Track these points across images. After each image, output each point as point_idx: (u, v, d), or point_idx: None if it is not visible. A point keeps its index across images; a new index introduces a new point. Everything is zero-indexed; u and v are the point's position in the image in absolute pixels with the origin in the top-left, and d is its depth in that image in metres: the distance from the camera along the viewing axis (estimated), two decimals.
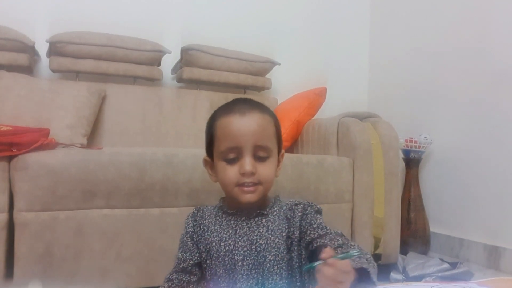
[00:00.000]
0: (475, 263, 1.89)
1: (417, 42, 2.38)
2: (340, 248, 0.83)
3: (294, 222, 0.90)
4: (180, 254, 0.93)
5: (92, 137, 1.88)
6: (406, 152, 2.12)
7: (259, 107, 0.90)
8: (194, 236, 0.93)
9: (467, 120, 2.03)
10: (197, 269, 0.92)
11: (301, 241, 0.90)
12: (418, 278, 1.62)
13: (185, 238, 0.94)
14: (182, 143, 2.02)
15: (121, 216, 1.30)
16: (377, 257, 1.69)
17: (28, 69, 1.93)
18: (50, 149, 1.31)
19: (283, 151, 0.96)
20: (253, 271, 0.87)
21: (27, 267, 1.20)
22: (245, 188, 0.86)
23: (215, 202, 1.37)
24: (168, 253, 1.34)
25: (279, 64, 2.33)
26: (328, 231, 0.87)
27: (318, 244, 0.87)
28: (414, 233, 2.04)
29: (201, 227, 0.93)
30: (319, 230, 0.88)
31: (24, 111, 1.69)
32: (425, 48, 2.32)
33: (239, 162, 0.86)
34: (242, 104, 0.89)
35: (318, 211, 0.93)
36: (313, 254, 0.89)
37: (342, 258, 0.70)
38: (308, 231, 0.88)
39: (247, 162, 0.84)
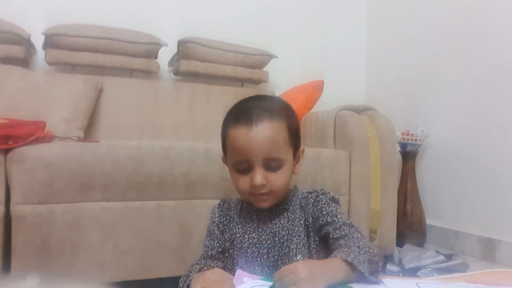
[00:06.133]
0: (470, 255, 1.90)
1: (414, 35, 2.38)
2: (343, 239, 0.85)
3: (307, 210, 0.93)
4: (207, 242, 0.96)
5: (89, 130, 1.87)
6: (403, 145, 2.13)
7: (270, 112, 0.87)
8: (220, 226, 0.96)
9: (464, 113, 2.03)
10: (222, 257, 0.95)
11: (313, 227, 0.92)
12: (414, 270, 1.63)
13: (211, 227, 0.97)
14: (179, 136, 2.02)
15: (118, 209, 1.30)
16: None
17: (24, 62, 1.92)
18: (46, 142, 1.31)
19: (302, 147, 0.96)
20: (279, 262, 0.89)
21: (24, 260, 1.20)
22: (259, 197, 0.88)
23: (212, 195, 1.39)
24: (165, 246, 1.35)
25: (276, 57, 2.32)
26: (336, 219, 0.88)
27: (324, 231, 0.89)
28: (410, 226, 2.05)
29: (227, 217, 0.97)
30: (328, 217, 0.89)
31: (20, 104, 1.68)
32: (422, 41, 2.31)
33: (250, 173, 0.86)
34: (251, 110, 0.86)
35: (333, 199, 0.94)
36: (323, 240, 0.92)
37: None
38: (319, 218, 0.90)
39: (257, 175, 0.84)
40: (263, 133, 0.84)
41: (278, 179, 0.87)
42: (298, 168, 0.95)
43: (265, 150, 0.84)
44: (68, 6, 2.06)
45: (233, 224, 0.95)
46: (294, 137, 0.91)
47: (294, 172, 0.94)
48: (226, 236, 0.95)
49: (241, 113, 0.87)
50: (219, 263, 0.94)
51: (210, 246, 0.95)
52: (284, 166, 0.87)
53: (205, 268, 0.90)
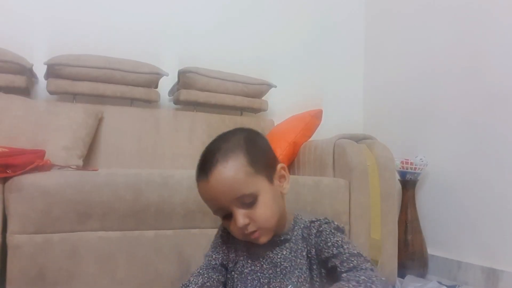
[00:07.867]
0: (473, 286, 1.87)
1: (412, 64, 2.41)
2: (351, 272, 0.80)
3: (310, 240, 0.89)
4: (211, 253, 0.95)
5: (88, 158, 1.87)
6: (402, 174, 2.12)
7: (222, 154, 0.83)
8: (227, 243, 0.95)
9: (462, 141, 2.04)
10: (224, 271, 0.93)
11: (318, 259, 0.88)
12: None
13: (219, 241, 0.96)
14: (178, 164, 2.02)
15: (116, 238, 1.28)
16: None
17: (26, 91, 1.94)
18: (45, 170, 1.31)
19: (280, 164, 0.92)
20: None
21: None
22: (252, 237, 0.85)
23: (211, 224, 1.37)
24: (162, 276, 1.32)
25: (275, 86, 2.35)
26: (342, 250, 0.84)
27: (331, 264, 0.85)
28: (412, 256, 2.03)
29: (234, 238, 0.92)
30: (334, 248, 0.85)
31: (20, 133, 1.68)
32: (420, 70, 2.35)
33: (233, 217, 0.85)
34: (205, 159, 0.86)
35: (337, 228, 0.90)
36: (330, 273, 0.87)
37: None
38: (323, 249, 0.86)
39: (238, 217, 0.83)
40: (220, 179, 0.82)
41: (259, 212, 0.83)
42: (284, 186, 0.91)
43: (230, 193, 0.82)
44: (70, 37, 2.10)
45: (239, 246, 0.93)
46: (261, 163, 0.86)
47: (282, 191, 0.90)
48: (231, 256, 0.94)
49: (199, 165, 0.88)
50: (220, 277, 0.92)
51: (213, 257, 0.94)
52: (259, 197, 0.83)
53: (208, 284, 0.89)
